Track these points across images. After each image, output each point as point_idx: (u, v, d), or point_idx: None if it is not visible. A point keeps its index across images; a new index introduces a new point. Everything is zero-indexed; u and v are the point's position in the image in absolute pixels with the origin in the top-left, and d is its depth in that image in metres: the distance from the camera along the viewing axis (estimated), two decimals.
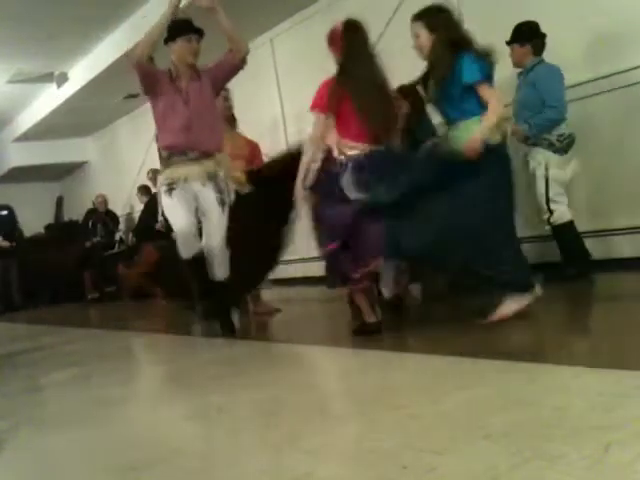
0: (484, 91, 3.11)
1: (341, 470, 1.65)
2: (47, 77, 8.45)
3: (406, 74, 5.55)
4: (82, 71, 8.25)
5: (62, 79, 8.48)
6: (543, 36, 4.27)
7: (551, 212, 4.16)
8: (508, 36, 4.46)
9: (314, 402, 2.31)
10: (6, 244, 10.40)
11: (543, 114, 4.13)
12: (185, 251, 3.91)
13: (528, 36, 4.25)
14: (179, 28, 3.84)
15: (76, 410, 2.81)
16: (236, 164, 4.38)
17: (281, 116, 7.19)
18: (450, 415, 1.91)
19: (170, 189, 3.85)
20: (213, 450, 2.00)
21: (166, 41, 3.88)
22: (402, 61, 5.64)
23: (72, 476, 1.98)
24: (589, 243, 4.29)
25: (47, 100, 9.30)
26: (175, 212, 3.90)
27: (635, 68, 4.26)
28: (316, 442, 1.86)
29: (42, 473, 2.03)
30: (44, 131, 10.38)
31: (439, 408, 1.97)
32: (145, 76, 3.79)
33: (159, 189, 4.08)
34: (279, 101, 7.21)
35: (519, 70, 4.40)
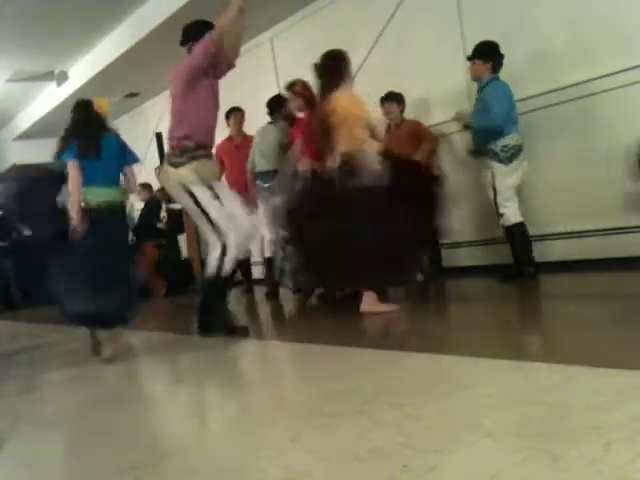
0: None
1: (340, 469, 1.65)
2: (47, 76, 8.45)
3: (404, 72, 5.59)
4: (82, 70, 8.25)
5: (62, 78, 8.48)
6: (502, 56, 4.58)
7: (501, 215, 4.54)
8: (507, 36, 4.57)
9: (313, 401, 2.31)
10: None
11: (482, 119, 4.49)
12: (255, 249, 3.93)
13: (491, 54, 4.56)
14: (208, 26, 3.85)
15: (75, 409, 2.82)
16: None
17: None
18: (450, 414, 1.91)
19: (210, 186, 3.86)
20: (213, 449, 2.00)
21: (184, 43, 3.97)
22: (400, 60, 5.68)
23: (71, 475, 1.99)
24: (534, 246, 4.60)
25: (47, 98, 9.30)
26: (235, 205, 3.91)
27: (583, 82, 4.49)
28: (315, 441, 1.86)
29: (41, 472, 2.03)
30: (44, 129, 10.36)
31: (439, 407, 1.98)
32: (216, 55, 3.78)
33: (187, 180, 3.81)
34: None
35: (478, 85, 4.68)
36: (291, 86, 4.90)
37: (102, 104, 4.23)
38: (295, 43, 6.81)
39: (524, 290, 4.31)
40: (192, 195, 3.84)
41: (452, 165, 5.23)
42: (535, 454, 1.49)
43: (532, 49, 4.79)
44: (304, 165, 4.57)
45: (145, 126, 9.49)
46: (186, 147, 3.84)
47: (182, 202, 4.04)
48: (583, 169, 4.60)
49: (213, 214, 3.83)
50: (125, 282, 3.94)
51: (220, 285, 3.89)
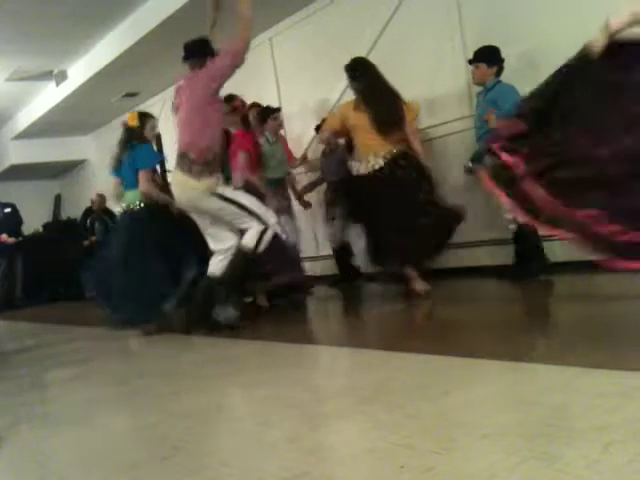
0: None
1: (339, 469, 1.66)
2: (46, 75, 8.44)
3: (404, 72, 5.59)
4: (81, 69, 8.24)
5: (61, 77, 8.47)
6: (503, 60, 4.60)
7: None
8: (506, 38, 4.57)
9: (313, 401, 2.31)
10: (12, 240, 10.45)
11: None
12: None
13: (496, 58, 4.56)
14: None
15: (76, 408, 2.82)
16: None
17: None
18: (449, 415, 1.91)
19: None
20: (212, 449, 2.00)
21: (195, 56, 4.18)
22: (399, 59, 5.68)
23: (71, 474, 1.99)
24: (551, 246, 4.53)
25: (46, 98, 9.29)
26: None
27: None
28: (314, 441, 1.86)
29: (41, 471, 2.03)
30: (43, 129, 10.38)
31: (437, 408, 1.98)
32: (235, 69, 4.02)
33: (214, 188, 4.04)
34: (278, 99, 7.19)
35: (480, 88, 4.67)
36: (229, 100, 4.85)
37: (130, 118, 4.85)
38: (294, 44, 6.82)
39: (527, 290, 4.31)
40: (219, 195, 4.05)
41: (453, 167, 5.23)
42: (533, 455, 1.49)
43: (530, 51, 4.79)
44: (240, 180, 4.75)
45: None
46: (208, 160, 4.01)
47: (205, 207, 4.10)
48: None
49: (244, 201, 4.10)
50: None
51: (250, 261, 4.11)
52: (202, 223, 4.20)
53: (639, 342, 2.43)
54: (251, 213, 4.08)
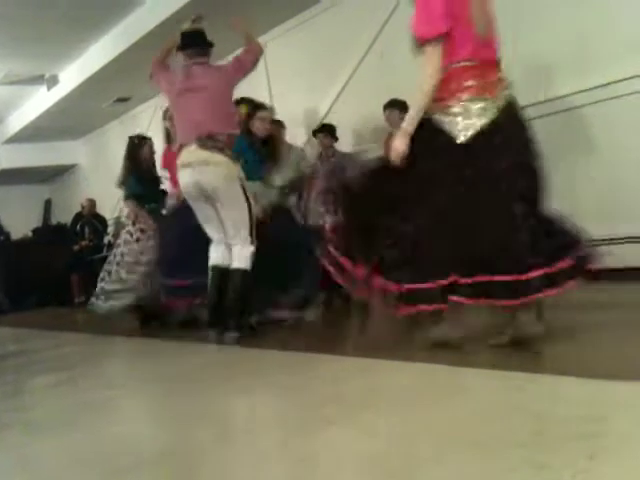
0: None
1: (327, 477, 1.65)
2: (38, 79, 8.42)
3: (399, 77, 5.60)
4: (73, 74, 8.23)
5: (53, 82, 8.45)
6: None
7: None
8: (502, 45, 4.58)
9: (303, 408, 2.30)
10: None
11: None
12: None
13: None
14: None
15: (62, 414, 2.79)
16: None
17: None
18: (438, 423, 1.91)
19: None
20: (200, 455, 1.98)
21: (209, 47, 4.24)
22: (395, 65, 5.70)
23: None
24: None
25: (37, 102, 9.27)
26: None
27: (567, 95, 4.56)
28: (304, 449, 1.85)
29: (27, 477, 2.01)
30: (34, 133, 10.34)
31: (428, 416, 1.97)
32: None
33: (239, 174, 4.02)
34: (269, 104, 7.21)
35: None
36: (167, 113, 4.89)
37: None
38: (287, 50, 6.83)
39: None
40: (242, 186, 3.99)
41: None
42: (521, 464, 1.49)
43: (527, 59, 4.80)
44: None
45: (136, 131, 9.47)
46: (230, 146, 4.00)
47: (225, 191, 3.94)
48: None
49: (254, 208, 4.04)
50: None
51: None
52: (206, 213, 4.07)
53: (630, 352, 2.44)
54: (251, 223, 4.00)
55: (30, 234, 12.06)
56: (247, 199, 3.99)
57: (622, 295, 3.89)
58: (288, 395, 2.48)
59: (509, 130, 2.71)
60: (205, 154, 3.90)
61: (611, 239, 4.37)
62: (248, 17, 6.10)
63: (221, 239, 4.08)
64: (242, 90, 4.33)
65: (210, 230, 4.12)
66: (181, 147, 4.06)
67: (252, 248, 4.00)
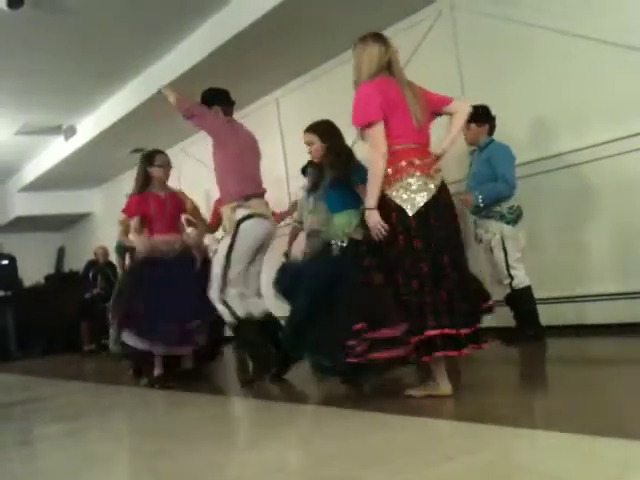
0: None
1: None
2: (55, 130, 8.60)
3: None
4: (90, 125, 8.39)
5: (70, 132, 8.62)
6: (494, 118, 4.71)
7: (512, 277, 4.48)
8: (506, 101, 4.72)
9: (309, 465, 2.26)
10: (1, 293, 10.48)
11: (495, 185, 4.49)
12: None
13: (485, 117, 4.67)
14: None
15: (66, 465, 2.76)
16: None
17: (284, 173, 7.29)
18: None
19: None
20: None
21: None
22: None
23: None
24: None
25: (54, 152, 9.44)
26: None
27: (574, 151, 4.62)
28: None
29: None
30: (50, 182, 10.49)
31: (436, 473, 1.93)
32: None
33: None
34: (283, 158, 7.31)
35: (472, 148, 4.79)
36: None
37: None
38: (299, 104, 6.97)
39: (527, 354, 4.27)
40: None
41: None
42: None
43: (529, 115, 4.89)
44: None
45: None
46: None
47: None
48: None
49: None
50: None
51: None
52: (246, 263, 4.28)
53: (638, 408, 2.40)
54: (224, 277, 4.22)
55: (43, 281, 12.13)
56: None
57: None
58: (295, 450, 2.44)
59: (443, 206, 3.06)
60: (269, 210, 4.46)
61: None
62: (262, 75, 6.29)
63: (240, 291, 4.25)
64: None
65: (238, 279, 4.23)
66: (247, 197, 4.23)
67: (222, 308, 4.26)
